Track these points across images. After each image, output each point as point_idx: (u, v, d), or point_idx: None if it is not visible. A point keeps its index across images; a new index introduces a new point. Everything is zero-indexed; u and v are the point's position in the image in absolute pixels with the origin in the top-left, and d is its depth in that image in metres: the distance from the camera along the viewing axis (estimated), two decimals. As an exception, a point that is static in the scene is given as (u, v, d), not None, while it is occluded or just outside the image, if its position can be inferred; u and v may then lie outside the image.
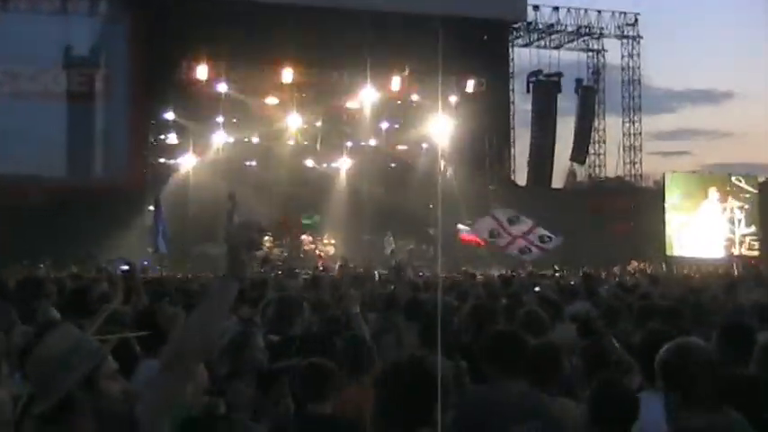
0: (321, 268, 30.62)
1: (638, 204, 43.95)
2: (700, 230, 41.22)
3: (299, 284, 14.62)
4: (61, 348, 3.12)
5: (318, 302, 10.07)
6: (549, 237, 19.93)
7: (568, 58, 46.81)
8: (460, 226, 33.97)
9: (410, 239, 37.94)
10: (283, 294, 9.55)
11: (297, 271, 21.85)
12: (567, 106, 46.94)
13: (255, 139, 39.76)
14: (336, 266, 31.06)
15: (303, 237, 37.39)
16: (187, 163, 37.98)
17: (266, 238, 35.76)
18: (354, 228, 36.25)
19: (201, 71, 36.28)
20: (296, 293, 10.63)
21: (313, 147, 40.34)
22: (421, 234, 37.80)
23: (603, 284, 15.32)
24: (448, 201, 39.49)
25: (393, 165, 40.94)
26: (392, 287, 13.38)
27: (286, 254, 35.71)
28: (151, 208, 30.58)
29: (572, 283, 15.66)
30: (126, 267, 10.64)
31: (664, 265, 34.52)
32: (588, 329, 7.37)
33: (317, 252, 36.52)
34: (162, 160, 38.56)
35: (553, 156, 45.33)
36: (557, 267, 30.25)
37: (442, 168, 39.32)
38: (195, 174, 37.48)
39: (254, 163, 40.31)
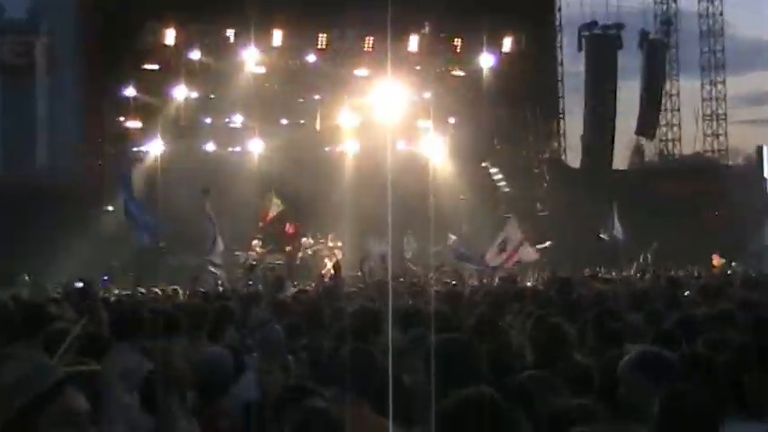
0: (327, 279, 30.69)
1: (725, 187, 43.76)
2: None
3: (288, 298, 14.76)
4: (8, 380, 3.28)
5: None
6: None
7: (630, 5, 46.75)
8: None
9: (437, 239, 37.95)
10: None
11: (288, 283, 21.87)
12: (630, 66, 46.83)
13: (238, 120, 39.84)
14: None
15: (303, 239, 37.44)
16: (154, 151, 38.06)
17: (255, 242, 35.88)
18: (366, 227, 36.26)
19: (169, 36, 36.30)
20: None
21: (312, 126, 40.37)
22: (450, 232, 37.77)
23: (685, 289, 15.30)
24: (483, 190, 39.52)
25: (413, 146, 40.93)
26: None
27: (281, 262, 35.76)
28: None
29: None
30: (80, 285, 10.73)
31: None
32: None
33: (324, 258, 36.58)
34: (122, 148, 38.64)
35: (614, 129, 45.27)
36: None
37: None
38: (165, 164, 37.55)
39: (237, 149, 40.38)
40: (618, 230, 33.24)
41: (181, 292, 21.29)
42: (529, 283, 22.96)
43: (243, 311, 12.02)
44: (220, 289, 24.29)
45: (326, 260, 36.19)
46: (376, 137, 38.13)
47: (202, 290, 21.52)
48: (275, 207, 37.46)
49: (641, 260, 33.37)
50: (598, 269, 30.70)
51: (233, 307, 11.74)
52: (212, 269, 27.85)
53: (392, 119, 38.68)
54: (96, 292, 10.35)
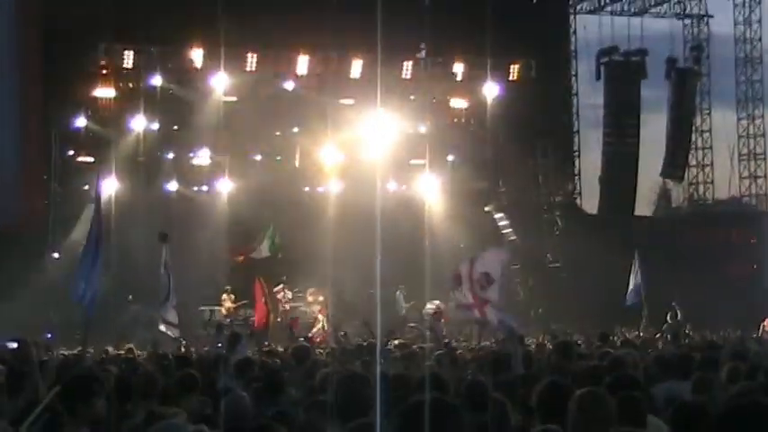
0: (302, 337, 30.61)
1: (763, 236, 43.89)
2: None
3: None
4: None
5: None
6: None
7: (656, 29, 47.07)
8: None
9: (434, 294, 37.85)
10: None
11: (245, 341, 21.81)
12: (655, 98, 47.06)
13: (205, 155, 39.85)
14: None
15: (279, 293, 37.34)
16: (108, 189, 38.02)
17: (224, 296, 35.81)
18: (351, 278, 36.26)
19: (127, 58, 36.41)
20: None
21: (290, 163, 40.43)
22: (448, 286, 37.78)
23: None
24: (486, 238, 39.46)
25: (405, 186, 40.98)
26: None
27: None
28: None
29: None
30: (14, 345, 10.71)
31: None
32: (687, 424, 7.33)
33: (288, 308, 36.53)
34: (71, 186, 38.61)
35: (636, 170, 45.36)
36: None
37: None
38: (121, 205, 37.51)
39: (204, 188, 40.39)
40: (639, 286, 33.15)
41: (137, 352, 21.28)
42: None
43: (206, 377, 12.02)
44: (182, 350, 24.22)
45: (318, 315, 36.14)
46: (363, 176, 38.21)
47: (162, 352, 21.47)
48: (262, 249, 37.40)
49: (668, 320, 33.37)
50: (619, 331, 30.62)
51: (195, 373, 11.72)
52: (163, 328, 27.50)
53: (382, 155, 38.78)
54: (32, 354, 10.28)
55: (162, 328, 27.01)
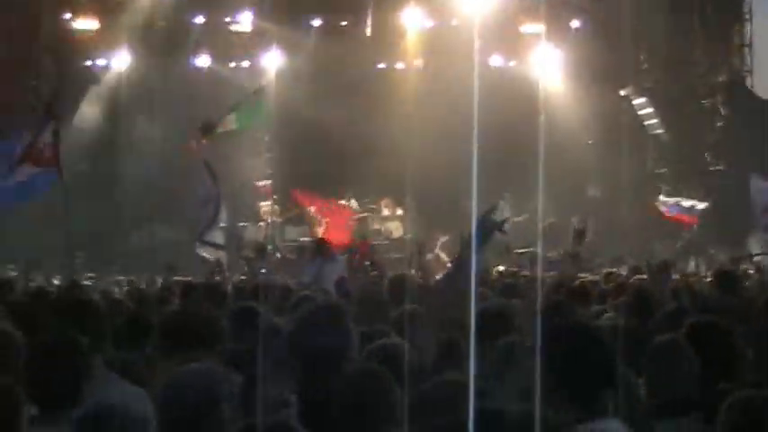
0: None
1: None
2: None
3: None
4: None
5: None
6: None
7: None
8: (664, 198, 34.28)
9: (548, 205, 37.89)
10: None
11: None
12: None
13: (246, 20, 40.03)
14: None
15: (344, 203, 37.57)
16: (117, 66, 38.36)
17: (264, 205, 35.95)
18: (441, 187, 36.34)
19: None
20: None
21: (359, 30, 40.56)
22: (571, 194, 37.78)
23: None
24: (622, 132, 39.37)
25: (514, 62, 40.92)
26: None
27: (307, 237, 35.78)
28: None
29: None
30: None
31: None
32: None
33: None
34: (67, 62, 39.00)
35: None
36: None
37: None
38: (134, 88, 37.85)
39: (245, 63, 40.62)
40: None
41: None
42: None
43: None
44: (217, 278, 24.40)
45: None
46: (456, 48, 38.12)
47: (185, 278, 21.83)
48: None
49: None
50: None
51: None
52: (206, 254, 27.57)
53: (482, 19, 38.67)
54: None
55: (203, 253, 27.19)
